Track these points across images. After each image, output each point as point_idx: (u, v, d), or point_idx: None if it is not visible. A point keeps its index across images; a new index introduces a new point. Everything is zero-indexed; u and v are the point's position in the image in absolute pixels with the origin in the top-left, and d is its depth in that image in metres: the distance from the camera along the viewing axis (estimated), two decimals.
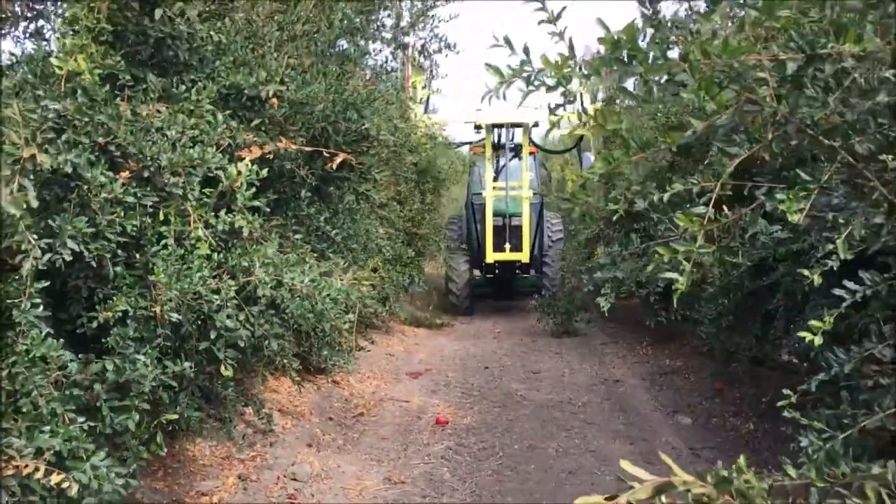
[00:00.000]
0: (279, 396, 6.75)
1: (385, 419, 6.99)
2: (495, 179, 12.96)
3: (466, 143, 14.51)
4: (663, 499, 1.50)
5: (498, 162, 13.39)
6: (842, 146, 1.77)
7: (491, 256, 12.53)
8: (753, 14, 1.52)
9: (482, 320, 12.89)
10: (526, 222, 12.55)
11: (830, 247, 1.84)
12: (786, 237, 2.53)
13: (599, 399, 7.62)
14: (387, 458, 5.97)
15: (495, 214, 12.52)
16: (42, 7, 3.20)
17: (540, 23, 1.67)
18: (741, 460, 1.67)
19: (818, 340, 1.98)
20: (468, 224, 13.60)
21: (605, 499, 1.48)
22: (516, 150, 13.02)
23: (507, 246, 12.43)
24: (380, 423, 6.85)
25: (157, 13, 2.98)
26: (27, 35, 3.31)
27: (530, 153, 13.21)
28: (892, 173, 1.79)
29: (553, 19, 1.64)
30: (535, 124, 12.75)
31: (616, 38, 1.51)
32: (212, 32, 3.26)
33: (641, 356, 9.56)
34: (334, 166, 3.55)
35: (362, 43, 4.34)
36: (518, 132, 13.03)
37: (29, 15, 3.19)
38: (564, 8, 1.69)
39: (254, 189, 3.08)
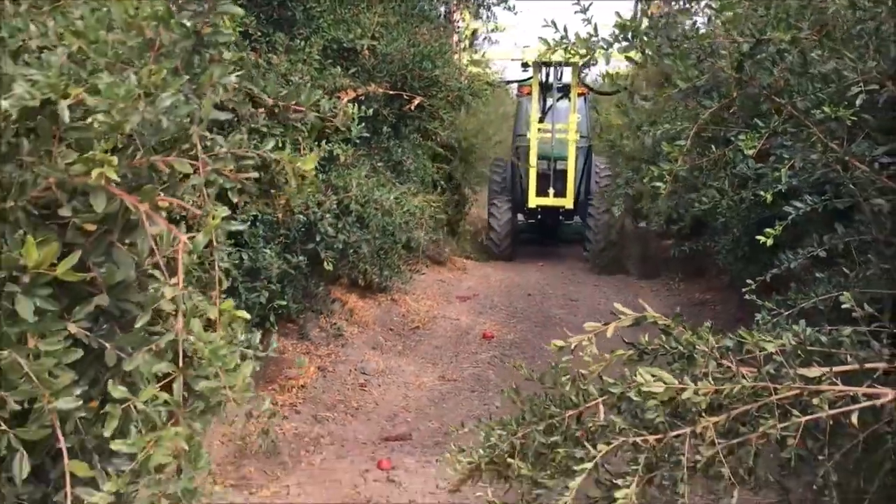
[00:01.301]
0: (347, 307, 7.72)
1: (438, 332, 7.95)
2: (541, 121, 12.21)
3: (514, 82, 13.44)
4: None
5: (545, 103, 12.63)
6: (787, 102, 2.54)
7: (533, 201, 12.05)
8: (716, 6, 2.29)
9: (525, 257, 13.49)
10: (571, 167, 12.00)
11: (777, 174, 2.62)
12: (760, 170, 3.27)
13: None
14: (440, 362, 6.93)
15: (540, 157, 11.96)
16: None
17: (576, 12, 2.45)
18: (705, 325, 2.49)
19: (769, 242, 2.77)
20: (512, 167, 13.08)
21: (603, 324, 2.34)
22: (564, 91, 12.29)
23: (551, 191, 11.95)
24: (433, 336, 7.81)
25: None
26: None
27: (580, 94, 12.30)
28: (823, 122, 2.56)
29: (584, 9, 2.43)
30: (587, 64, 11.86)
31: (624, 23, 2.29)
32: None
33: (674, 290, 10.32)
34: (412, 108, 4.38)
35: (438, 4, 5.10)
36: (567, 71, 12.29)
37: None
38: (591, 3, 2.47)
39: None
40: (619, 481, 2.22)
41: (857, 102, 2.40)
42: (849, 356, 2.40)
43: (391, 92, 4.39)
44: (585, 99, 13.34)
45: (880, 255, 2.85)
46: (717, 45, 2.40)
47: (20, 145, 1.20)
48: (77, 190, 1.22)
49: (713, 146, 2.92)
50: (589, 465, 2.21)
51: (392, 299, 8.64)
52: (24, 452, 1.18)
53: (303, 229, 4.20)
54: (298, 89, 2.99)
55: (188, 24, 1.28)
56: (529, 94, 12.49)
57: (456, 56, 7.65)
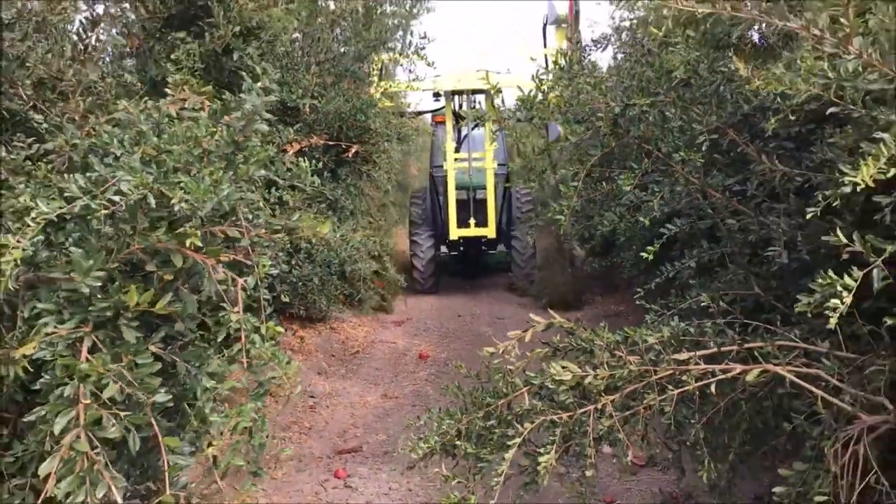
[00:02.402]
0: (288, 339, 8.21)
1: (377, 356, 8.53)
2: (457, 150, 12.06)
3: (426, 112, 13.06)
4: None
5: (460, 132, 12.46)
6: (654, 148, 3.28)
7: (455, 232, 11.71)
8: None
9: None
10: (491, 195, 11.74)
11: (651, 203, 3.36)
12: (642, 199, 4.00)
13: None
14: (382, 382, 7.51)
15: (458, 188, 11.73)
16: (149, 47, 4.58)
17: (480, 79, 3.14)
18: (601, 325, 3.17)
19: (650, 257, 3.49)
20: (431, 198, 12.87)
21: (522, 331, 3.00)
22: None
23: (472, 221, 11.72)
24: (373, 359, 8.38)
25: (235, 55, 4.39)
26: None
27: (494, 121, 12.59)
28: (683, 162, 3.31)
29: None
30: (499, 90, 12.37)
31: (524, 97, 2.98)
32: (264, 64, 4.68)
33: (593, 304, 11.16)
34: (350, 155, 5.00)
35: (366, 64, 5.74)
36: (480, 99, 12.12)
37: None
38: None
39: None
40: (542, 451, 2.87)
41: (703, 147, 3.16)
42: (711, 343, 3.12)
43: (330, 142, 4.99)
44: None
45: (736, 264, 3.62)
46: (595, 109, 3.12)
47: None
48: (157, 251, 1.79)
49: (604, 182, 3.64)
50: (518, 440, 2.86)
51: (331, 328, 9.17)
52: (135, 432, 1.73)
53: None
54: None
55: (228, 136, 1.87)
56: (443, 123, 12.27)
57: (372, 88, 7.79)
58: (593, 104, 3.08)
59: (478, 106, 12.16)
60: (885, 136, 1.71)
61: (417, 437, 3.04)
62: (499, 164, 12.37)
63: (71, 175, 1.79)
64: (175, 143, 1.80)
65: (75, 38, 3.48)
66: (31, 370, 2.00)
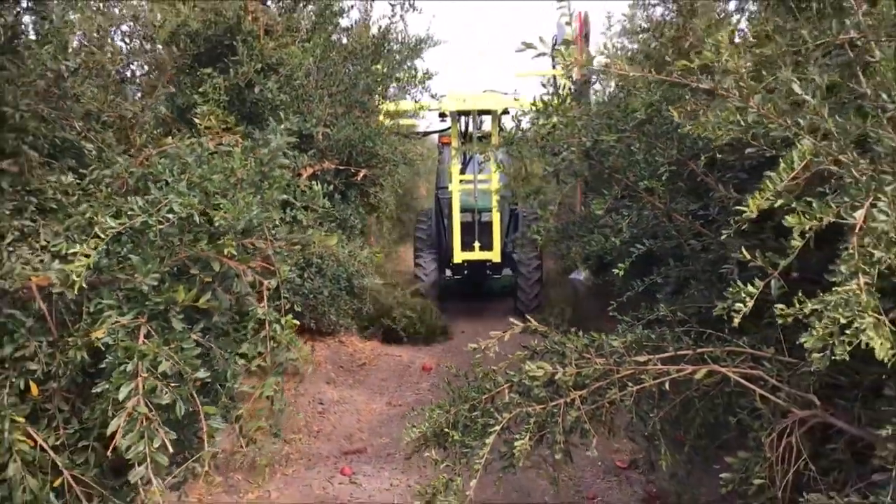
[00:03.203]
0: (308, 345, 8.66)
1: (382, 367, 8.97)
2: (462, 172, 11.84)
3: (432, 132, 12.71)
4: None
5: (465, 153, 12.18)
6: (623, 177, 3.75)
7: (459, 256, 11.41)
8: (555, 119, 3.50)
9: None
10: (496, 218, 11.37)
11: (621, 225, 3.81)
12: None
13: None
14: (387, 392, 7.96)
15: (463, 210, 11.39)
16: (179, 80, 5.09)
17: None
18: (572, 330, 3.63)
19: (622, 273, 3.95)
20: (436, 220, 12.56)
21: (502, 332, 3.46)
22: (485, 140, 11.51)
23: (477, 244, 11.39)
24: (379, 370, 8.83)
25: (256, 89, 4.91)
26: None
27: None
28: (648, 190, 3.77)
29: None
30: (505, 111, 11.28)
31: (507, 135, 3.45)
32: (281, 95, 5.19)
33: (591, 320, 11.54)
34: (358, 178, 5.48)
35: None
36: (487, 120, 11.83)
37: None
38: None
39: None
40: (518, 437, 3.31)
41: (664, 177, 3.62)
42: (669, 347, 3.57)
43: (340, 167, 5.48)
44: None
45: (697, 280, 4.07)
46: (569, 143, 3.60)
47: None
48: (199, 258, 2.26)
49: (582, 207, 4.11)
50: (498, 428, 3.30)
51: (340, 341, 9.63)
52: (181, 401, 2.19)
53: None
54: None
55: (257, 168, 2.35)
56: (449, 144, 12.08)
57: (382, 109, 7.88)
58: (567, 139, 3.56)
59: (484, 127, 11.94)
60: (772, 174, 2.17)
61: (411, 426, 3.50)
62: (504, 186, 11.95)
63: (133, 197, 2.27)
64: (215, 172, 2.28)
65: (114, 73, 4.00)
66: (90, 357, 2.49)
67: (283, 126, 2.57)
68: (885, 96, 2.35)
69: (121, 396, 2.13)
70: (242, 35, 4.81)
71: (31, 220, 2.82)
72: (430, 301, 11.24)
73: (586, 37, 9.82)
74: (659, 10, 5.80)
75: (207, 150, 2.58)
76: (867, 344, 2.12)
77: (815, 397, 3.14)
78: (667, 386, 3.36)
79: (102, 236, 2.26)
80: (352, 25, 6.24)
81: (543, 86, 4.14)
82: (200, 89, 4.65)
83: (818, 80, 2.28)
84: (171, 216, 2.19)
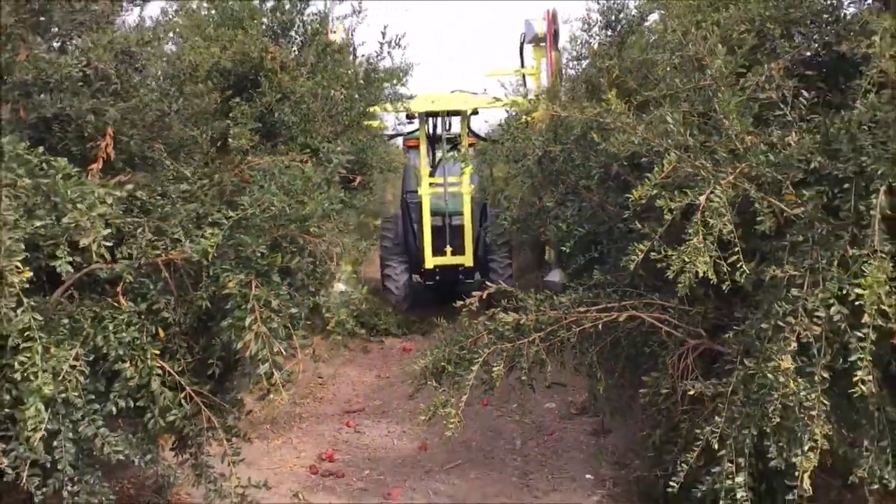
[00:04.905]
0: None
1: (369, 349, 10.21)
2: (432, 175, 11.56)
3: (398, 135, 12.32)
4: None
5: (435, 155, 12.05)
6: (566, 178, 5.07)
7: (430, 261, 11.14)
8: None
9: None
10: (468, 222, 11.16)
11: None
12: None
13: None
14: (375, 367, 9.21)
15: (433, 214, 11.20)
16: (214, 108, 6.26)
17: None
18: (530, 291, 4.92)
19: (568, 251, 5.28)
20: (404, 225, 12.15)
21: (480, 294, 4.76)
22: (454, 142, 11.52)
23: (448, 249, 11.16)
24: (365, 352, 10.07)
25: (276, 114, 6.12)
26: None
27: (470, 144, 11.25)
28: (586, 187, 5.10)
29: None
30: (475, 112, 11.30)
31: (482, 147, 4.69)
32: (293, 117, 6.40)
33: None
34: (356, 183, 6.70)
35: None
36: (456, 121, 11.75)
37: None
38: None
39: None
40: (494, 367, 4.59)
41: (596, 178, 4.95)
42: (602, 302, 4.88)
43: (341, 174, 6.70)
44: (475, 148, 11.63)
45: (625, 255, 5.41)
46: (525, 153, 4.91)
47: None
48: (287, 236, 3.50)
49: (537, 200, 5.43)
50: (480, 360, 4.57)
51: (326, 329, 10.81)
52: (281, 327, 3.42)
53: None
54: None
55: (324, 175, 3.58)
56: (416, 147, 11.94)
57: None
58: (524, 150, 4.87)
59: (453, 128, 11.92)
60: (650, 174, 3.48)
61: (414, 362, 4.77)
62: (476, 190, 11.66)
63: (241, 196, 3.48)
64: (296, 179, 3.49)
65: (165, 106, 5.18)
66: (210, 305, 3.73)
67: (339, 148, 3.78)
68: (725, 122, 3.70)
69: (247, 323, 3.34)
70: (265, 71, 6.02)
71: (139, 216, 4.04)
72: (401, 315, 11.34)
73: (555, 34, 9.91)
74: (597, 40, 7.09)
75: (285, 164, 3.81)
76: (709, 280, 3.47)
77: (703, 331, 4.48)
78: (600, 328, 4.68)
79: (224, 223, 3.47)
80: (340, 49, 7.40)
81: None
82: (231, 115, 5.80)
83: (676, 117, 3.63)
84: (273, 209, 3.40)
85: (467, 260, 11.20)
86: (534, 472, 5.73)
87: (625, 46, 6.65)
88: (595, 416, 6.75)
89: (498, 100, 6.72)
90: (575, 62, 7.69)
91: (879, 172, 3.11)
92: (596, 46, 6.88)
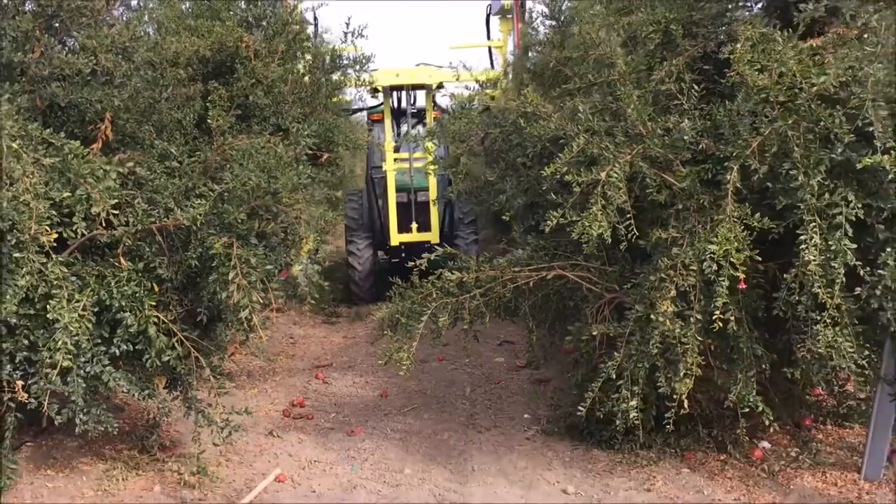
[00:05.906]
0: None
1: (338, 313, 10.96)
2: (397, 150, 11.20)
3: (361, 110, 11.97)
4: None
5: (399, 130, 11.73)
6: (506, 156, 5.83)
7: (396, 238, 10.94)
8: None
9: None
10: (434, 197, 10.83)
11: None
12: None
13: None
14: (342, 330, 9.98)
15: (399, 190, 10.94)
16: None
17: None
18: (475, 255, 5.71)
19: (509, 220, 6.05)
20: (368, 201, 11.79)
21: (428, 255, 5.54)
22: (419, 116, 11.44)
23: (414, 225, 10.97)
24: (336, 315, 10.82)
25: (250, 97, 6.80)
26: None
27: (435, 118, 10.84)
28: (523, 165, 5.87)
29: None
30: (440, 86, 11.04)
31: (448, 120, 5.49)
32: (265, 100, 7.08)
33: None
34: (322, 160, 7.41)
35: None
36: (421, 95, 11.47)
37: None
38: None
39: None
40: (440, 318, 5.37)
41: (531, 156, 5.73)
42: (534, 263, 5.68)
43: (309, 152, 7.39)
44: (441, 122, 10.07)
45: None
46: (469, 135, 5.67)
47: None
48: (264, 205, 4.24)
49: (482, 176, 6.21)
50: (429, 312, 5.36)
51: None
52: (259, 281, 4.17)
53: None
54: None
55: (293, 155, 4.31)
56: (380, 121, 11.62)
57: None
58: (469, 132, 5.64)
59: (418, 102, 11.67)
60: (562, 154, 4.27)
61: (376, 310, 5.54)
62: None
63: (224, 173, 4.19)
64: (270, 158, 4.22)
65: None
66: (198, 263, 4.46)
67: (306, 132, 4.48)
68: (627, 110, 4.49)
69: (230, 277, 4.08)
70: (240, 58, 6.69)
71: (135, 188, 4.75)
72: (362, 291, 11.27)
73: (522, 6, 9.91)
74: (543, 30, 7.81)
75: (260, 145, 4.54)
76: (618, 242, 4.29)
77: (617, 286, 5.30)
78: (531, 285, 5.49)
79: (210, 195, 4.20)
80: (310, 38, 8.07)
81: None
82: (210, 98, 6.46)
83: (585, 107, 4.42)
84: (251, 183, 4.13)
85: (433, 237, 10.96)
86: (479, 413, 6.55)
87: (565, 38, 7.40)
88: (536, 368, 7.59)
89: (467, 69, 7.32)
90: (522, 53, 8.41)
91: (734, 154, 3.93)
92: (541, 36, 7.62)
